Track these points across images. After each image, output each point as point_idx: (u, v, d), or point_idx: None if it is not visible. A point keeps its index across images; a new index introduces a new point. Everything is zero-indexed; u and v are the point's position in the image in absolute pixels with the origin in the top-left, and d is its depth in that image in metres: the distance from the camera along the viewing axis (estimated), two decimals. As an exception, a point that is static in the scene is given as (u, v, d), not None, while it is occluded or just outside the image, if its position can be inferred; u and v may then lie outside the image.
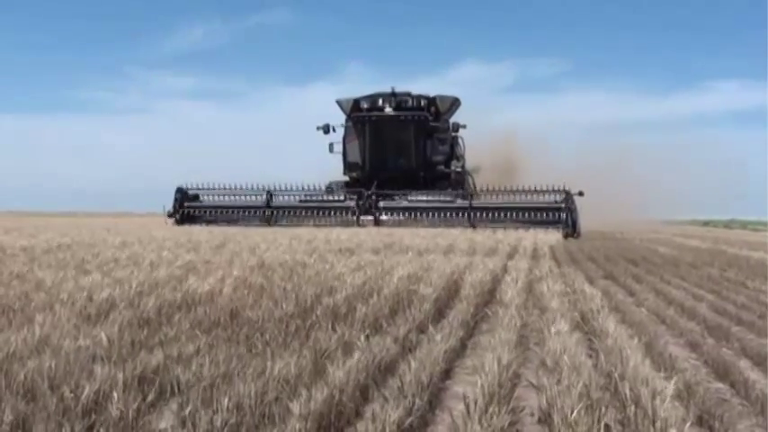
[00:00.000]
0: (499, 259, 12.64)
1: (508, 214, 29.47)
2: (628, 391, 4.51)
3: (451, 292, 8.74)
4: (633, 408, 4.22)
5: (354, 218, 31.25)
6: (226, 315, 6.76)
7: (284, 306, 7.12)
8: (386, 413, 3.97)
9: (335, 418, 4.18)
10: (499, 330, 6.41)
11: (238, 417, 3.99)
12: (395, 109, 34.57)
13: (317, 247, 14.08)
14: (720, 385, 5.38)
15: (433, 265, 10.81)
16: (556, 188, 29.20)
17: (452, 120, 36.41)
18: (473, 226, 28.57)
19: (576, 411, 4.03)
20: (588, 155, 46.38)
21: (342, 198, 33.05)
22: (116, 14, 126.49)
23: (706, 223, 59.82)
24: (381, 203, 31.79)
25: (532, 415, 4.51)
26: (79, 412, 4.03)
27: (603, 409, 4.22)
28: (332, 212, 32.04)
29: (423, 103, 35.33)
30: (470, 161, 38.27)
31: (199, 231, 23.88)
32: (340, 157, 35.93)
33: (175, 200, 33.60)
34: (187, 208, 33.28)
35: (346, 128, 35.99)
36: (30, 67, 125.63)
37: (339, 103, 36.18)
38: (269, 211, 32.32)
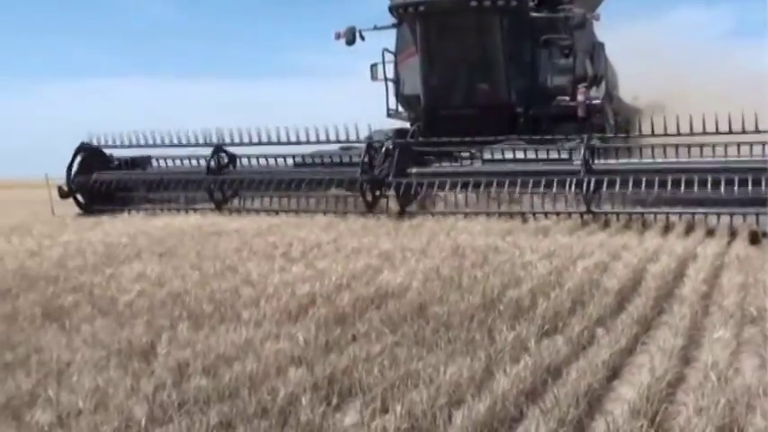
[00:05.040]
0: (692, 241, 12.01)
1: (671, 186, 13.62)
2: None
3: (635, 282, 8.52)
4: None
5: (363, 200, 15.60)
6: (414, 310, 7.01)
7: (470, 299, 7.30)
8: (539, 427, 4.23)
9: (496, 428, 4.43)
10: (666, 332, 6.35)
11: (410, 422, 4.34)
12: None
13: (512, 228, 13.97)
14: None
15: (622, 253, 10.57)
16: None
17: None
18: (590, 211, 14.16)
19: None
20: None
21: (357, 160, 15.93)
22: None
23: None
24: (414, 170, 15.70)
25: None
26: (275, 414, 4.53)
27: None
28: (324, 189, 16.15)
29: None
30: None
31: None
32: (384, 87, 20.73)
33: (69, 168, 17.87)
34: (96, 181, 17.97)
35: (398, 37, 20.59)
36: (240, 32, 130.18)
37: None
38: (216, 184, 16.88)
